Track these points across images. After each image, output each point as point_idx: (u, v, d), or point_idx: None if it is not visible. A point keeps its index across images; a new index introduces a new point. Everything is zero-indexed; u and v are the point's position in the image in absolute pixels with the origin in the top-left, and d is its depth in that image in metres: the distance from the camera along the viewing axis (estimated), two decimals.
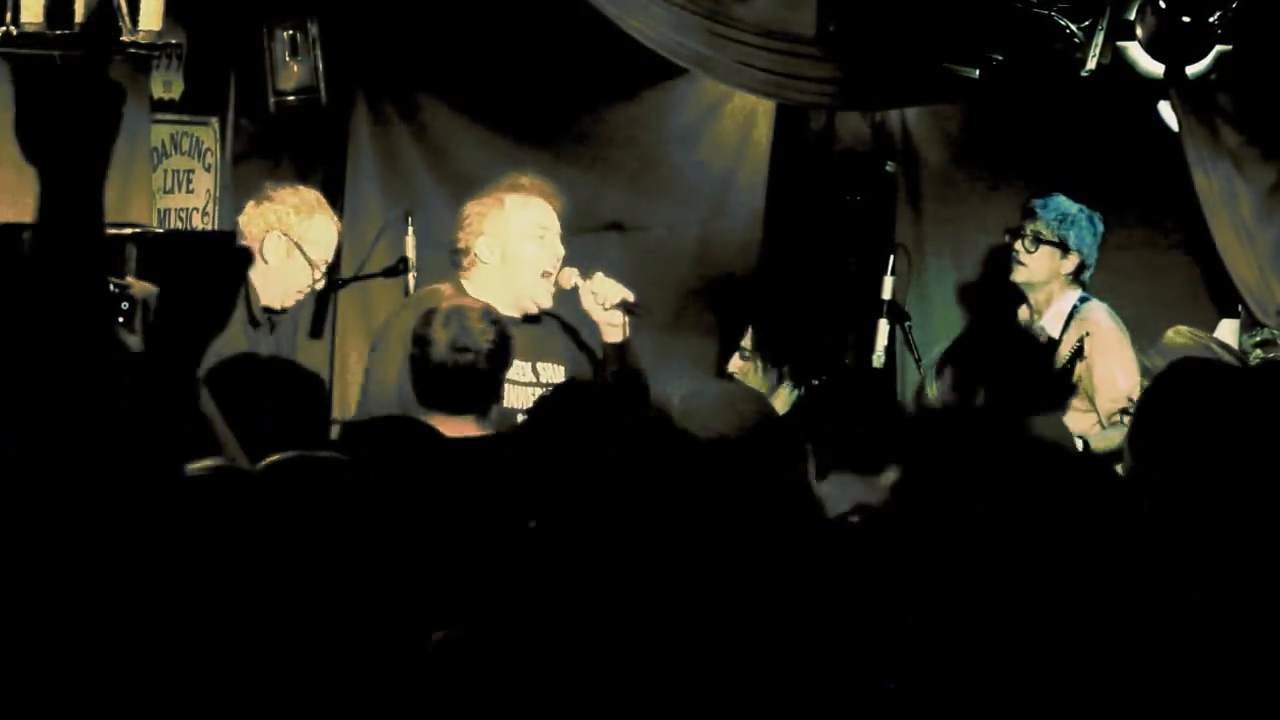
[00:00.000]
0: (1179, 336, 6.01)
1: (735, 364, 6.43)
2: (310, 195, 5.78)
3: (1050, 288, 6.50)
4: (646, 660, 2.79)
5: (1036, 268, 6.50)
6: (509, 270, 5.50)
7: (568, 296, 5.61)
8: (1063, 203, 6.54)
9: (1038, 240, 6.47)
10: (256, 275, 5.63)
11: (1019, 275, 6.54)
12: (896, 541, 3.14)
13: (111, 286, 3.92)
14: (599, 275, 5.54)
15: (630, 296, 5.53)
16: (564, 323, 5.72)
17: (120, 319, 3.91)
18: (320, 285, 5.76)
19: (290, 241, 5.63)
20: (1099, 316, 6.40)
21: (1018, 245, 6.51)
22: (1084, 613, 2.81)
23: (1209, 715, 2.90)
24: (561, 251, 5.54)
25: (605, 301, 5.50)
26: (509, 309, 5.40)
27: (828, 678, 2.97)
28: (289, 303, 5.73)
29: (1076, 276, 6.51)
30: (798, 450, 4.05)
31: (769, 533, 3.21)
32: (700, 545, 2.99)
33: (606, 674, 2.75)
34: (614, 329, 5.53)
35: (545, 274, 5.51)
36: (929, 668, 2.83)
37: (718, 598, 2.93)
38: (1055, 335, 6.35)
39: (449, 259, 5.66)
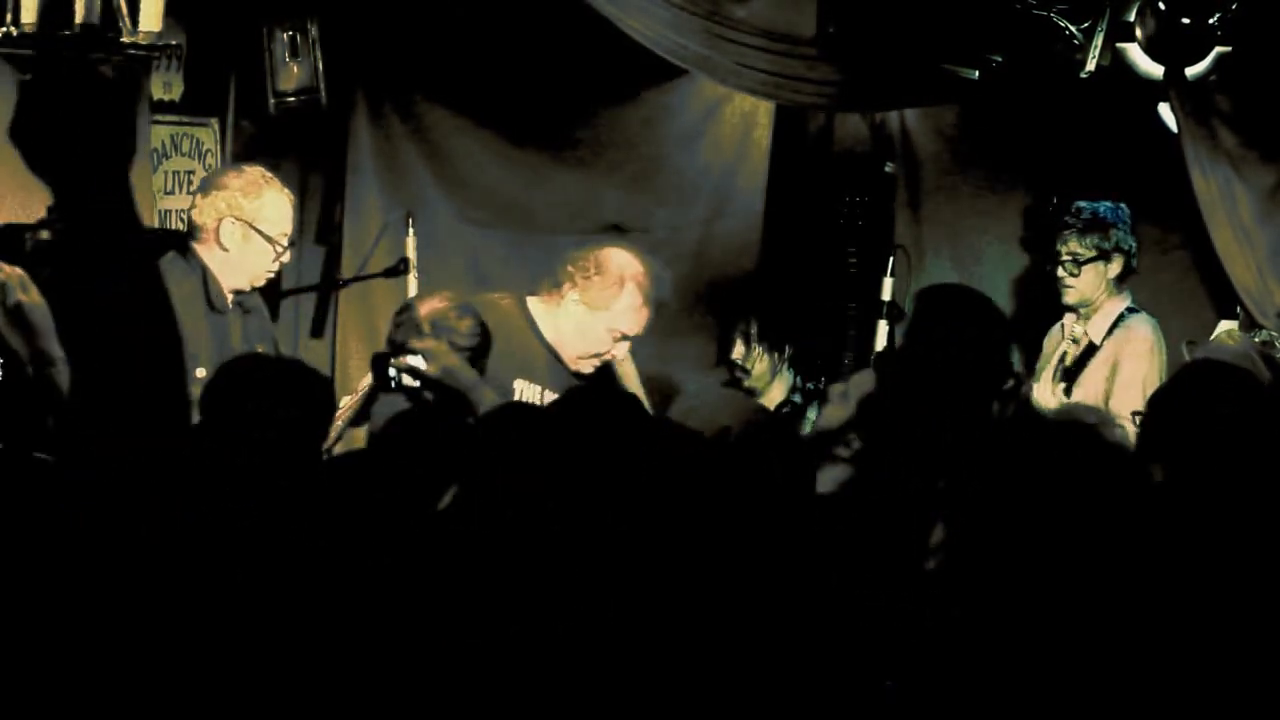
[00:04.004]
0: (1230, 339, 5.99)
1: (738, 350, 6.41)
2: (255, 173, 5.65)
3: (1099, 296, 6.46)
4: (646, 658, 2.80)
5: (1084, 286, 6.45)
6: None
7: None
8: (1086, 211, 6.49)
9: (1078, 262, 6.43)
10: (215, 262, 5.54)
11: (1070, 298, 6.48)
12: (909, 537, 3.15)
13: None
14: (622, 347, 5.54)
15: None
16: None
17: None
18: (286, 259, 5.68)
19: (244, 224, 5.52)
20: (1142, 328, 6.38)
21: (1060, 272, 6.45)
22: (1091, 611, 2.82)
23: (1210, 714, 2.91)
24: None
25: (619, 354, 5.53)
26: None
27: (827, 677, 2.97)
28: (259, 283, 5.60)
29: (1124, 276, 6.48)
30: (798, 449, 4.06)
31: (768, 531, 3.21)
32: (699, 544, 2.99)
33: (611, 670, 2.75)
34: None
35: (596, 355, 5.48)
36: (933, 667, 2.83)
37: (716, 596, 2.93)
38: (1097, 341, 6.36)
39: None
